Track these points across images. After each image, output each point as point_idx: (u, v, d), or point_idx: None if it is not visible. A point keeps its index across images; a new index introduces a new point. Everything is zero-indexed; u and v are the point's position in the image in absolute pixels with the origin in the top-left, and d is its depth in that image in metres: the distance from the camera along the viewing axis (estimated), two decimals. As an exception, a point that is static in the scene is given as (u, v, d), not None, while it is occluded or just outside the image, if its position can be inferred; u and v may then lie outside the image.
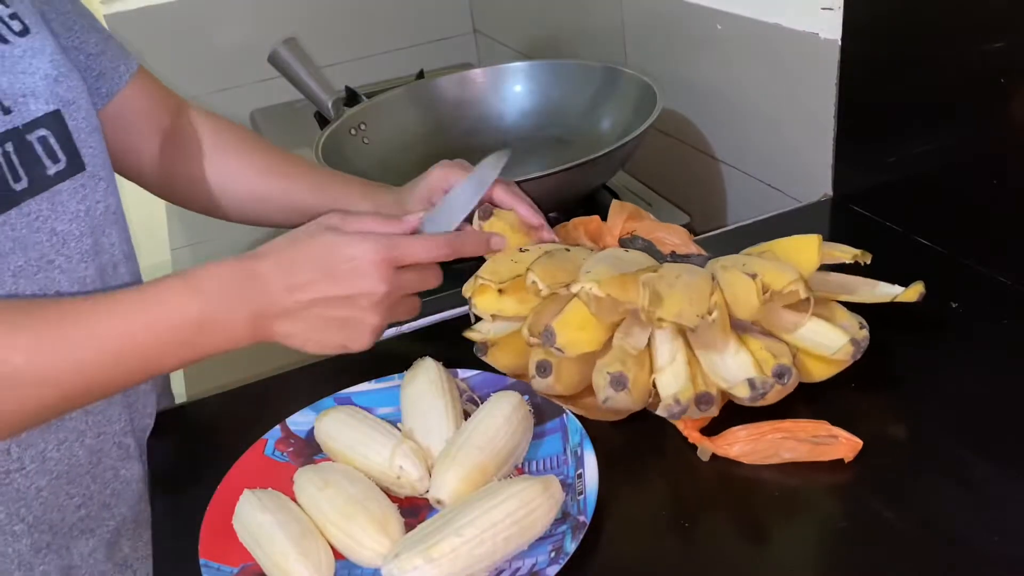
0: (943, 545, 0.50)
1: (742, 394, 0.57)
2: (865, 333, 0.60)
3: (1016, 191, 0.68)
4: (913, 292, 0.63)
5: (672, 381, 0.59)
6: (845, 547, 0.52)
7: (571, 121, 1.12)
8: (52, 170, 0.61)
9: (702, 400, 0.58)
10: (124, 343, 0.55)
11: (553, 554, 0.52)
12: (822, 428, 0.56)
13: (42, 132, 0.60)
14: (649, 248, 0.69)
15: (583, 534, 0.52)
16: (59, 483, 0.64)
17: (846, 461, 0.55)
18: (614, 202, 0.75)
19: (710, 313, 0.57)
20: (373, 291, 0.58)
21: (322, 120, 1.28)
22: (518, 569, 0.52)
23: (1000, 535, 0.50)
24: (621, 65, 1.09)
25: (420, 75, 1.44)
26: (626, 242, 0.71)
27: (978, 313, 0.68)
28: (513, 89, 1.18)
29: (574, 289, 0.60)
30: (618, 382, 0.58)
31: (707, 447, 0.58)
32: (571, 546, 0.52)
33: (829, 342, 0.59)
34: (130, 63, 0.76)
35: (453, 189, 0.70)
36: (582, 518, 0.54)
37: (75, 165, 0.62)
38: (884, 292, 0.64)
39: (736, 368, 0.58)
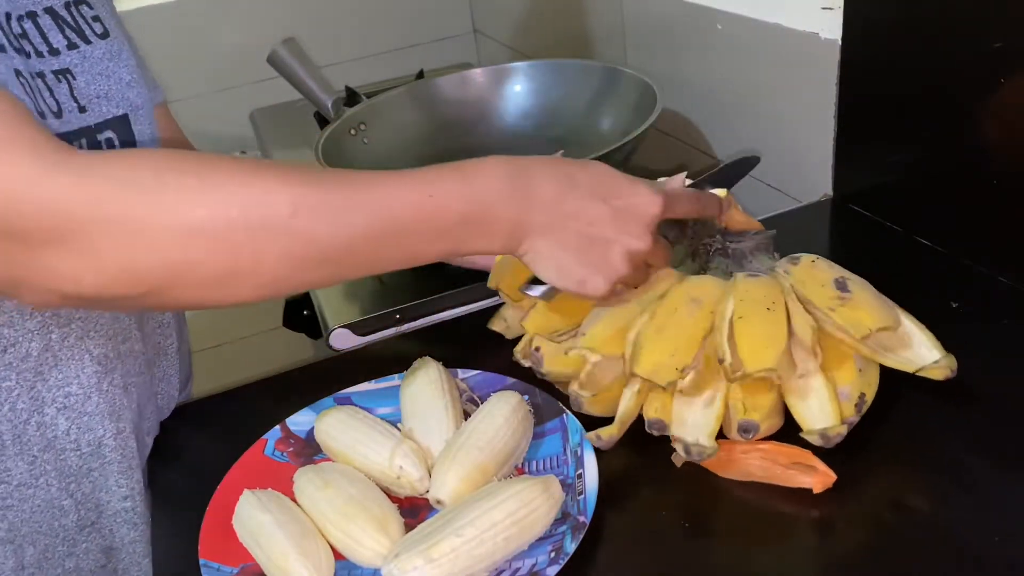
0: (943, 545, 0.50)
1: (708, 444, 0.57)
2: (843, 430, 0.55)
3: (1016, 191, 0.68)
4: (940, 372, 0.58)
5: (621, 411, 0.60)
6: (845, 547, 0.52)
7: (571, 121, 1.12)
8: None
9: (654, 426, 0.59)
10: (391, 215, 0.52)
11: (553, 554, 0.52)
12: (802, 456, 0.55)
13: (109, 134, 0.61)
14: (702, 220, 0.67)
15: (583, 534, 0.52)
16: (110, 469, 0.66)
17: (814, 491, 0.54)
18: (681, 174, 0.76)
19: (690, 367, 0.57)
20: (637, 242, 0.56)
21: (322, 120, 1.28)
22: (518, 569, 0.52)
23: (1000, 535, 0.50)
24: (621, 65, 1.09)
25: (420, 75, 1.44)
26: None
27: (978, 313, 0.68)
28: (513, 89, 1.18)
29: (570, 355, 0.62)
30: (575, 402, 0.62)
31: (681, 456, 0.58)
32: (571, 546, 0.52)
33: (808, 419, 0.57)
34: (156, 94, 0.74)
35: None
36: (582, 518, 0.54)
37: None
38: (914, 358, 0.59)
39: (697, 422, 0.58)
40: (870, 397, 0.58)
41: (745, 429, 0.57)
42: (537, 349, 0.64)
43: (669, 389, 0.57)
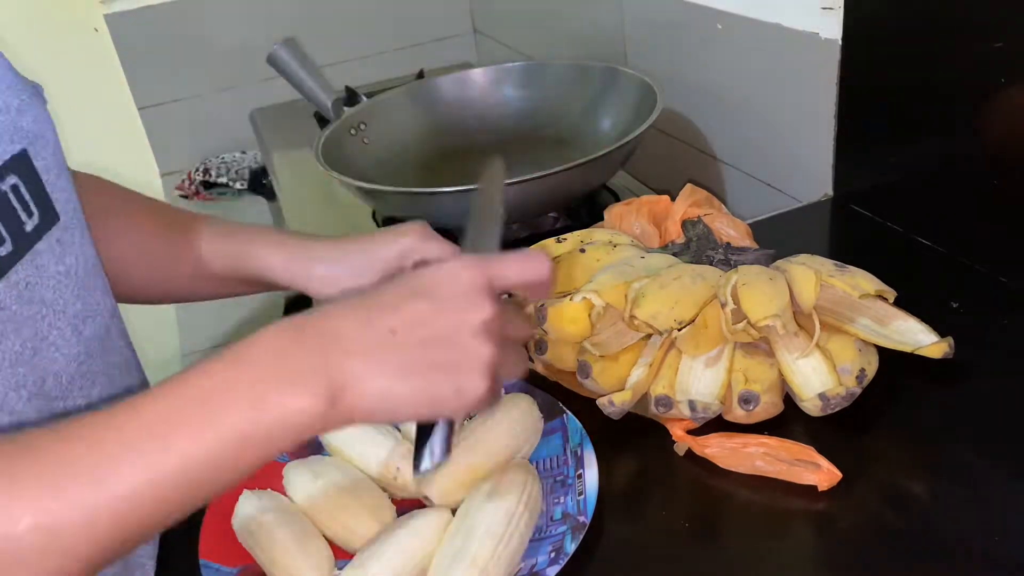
0: (943, 545, 0.50)
1: (704, 413, 0.59)
2: (842, 391, 0.56)
3: (1016, 191, 0.68)
4: (937, 349, 0.59)
5: (633, 380, 0.61)
6: (845, 547, 0.52)
7: (571, 121, 1.12)
8: (29, 226, 0.49)
9: (660, 403, 0.59)
10: (159, 473, 0.39)
11: (553, 554, 0.52)
12: (806, 453, 0.55)
13: (12, 180, 0.48)
14: (706, 235, 0.69)
15: (583, 534, 0.52)
16: None
17: (819, 489, 0.54)
18: (687, 185, 0.77)
19: (687, 323, 0.58)
20: (479, 311, 0.43)
21: (322, 120, 1.28)
22: (519, 569, 0.52)
23: (1000, 535, 0.50)
24: (621, 65, 1.09)
25: (420, 75, 1.44)
26: (687, 226, 0.71)
27: (978, 313, 0.68)
28: (513, 89, 1.18)
29: (576, 300, 0.62)
30: (582, 370, 0.62)
31: (684, 443, 0.59)
32: (571, 546, 0.52)
33: (804, 388, 0.58)
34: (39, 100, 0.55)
35: (473, 217, 0.54)
36: (582, 518, 0.54)
37: (48, 217, 0.51)
38: (910, 339, 0.60)
39: (706, 383, 0.59)
40: (870, 373, 0.59)
41: (746, 400, 0.58)
42: (542, 306, 0.64)
43: (666, 341, 0.59)
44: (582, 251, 0.69)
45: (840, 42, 0.81)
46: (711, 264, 0.67)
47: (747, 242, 0.72)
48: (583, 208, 1.01)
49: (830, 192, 0.89)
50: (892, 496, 0.54)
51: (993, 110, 0.69)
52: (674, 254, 0.68)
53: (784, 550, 0.54)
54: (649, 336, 0.62)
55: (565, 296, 0.64)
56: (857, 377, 0.58)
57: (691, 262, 0.66)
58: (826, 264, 0.62)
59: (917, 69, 0.75)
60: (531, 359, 0.69)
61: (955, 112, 0.73)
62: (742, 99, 1.00)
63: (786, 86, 0.92)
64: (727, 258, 0.67)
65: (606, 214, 0.80)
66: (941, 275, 0.74)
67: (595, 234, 0.72)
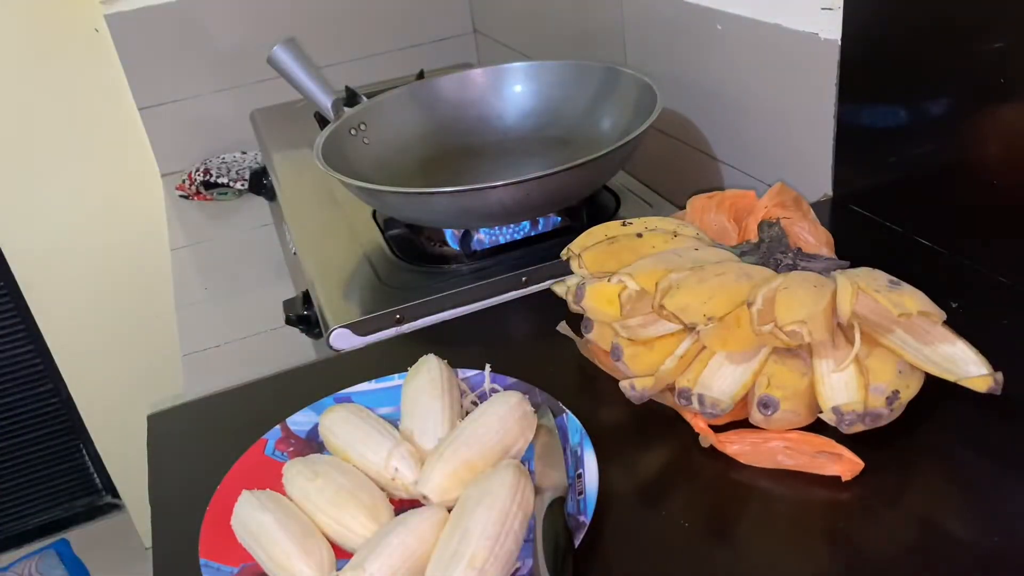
0: (943, 545, 0.50)
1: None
2: (858, 407, 0.54)
3: (1016, 191, 0.68)
4: (983, 382, 0.55)
5: (661, 369, 0.60)
6: (845, 547, 0.52)
7: (571, 121, 1.12)
8: None
9: (681, 395, 0.58)
10: None
11: (553, 554, 0.52)
12: (827, 445, 0.55)
13: None
14: (779, 238, 0.68)
15: (583, 534, 0.52)
16: None
17: (843, 480, 0.54)
18: (778, 183, 0.75)
19: (718, 318, 0.56)
20: None
21: (322, 120, 1.28)
22: (518, 569, 0.52)
23: (1000, 535, 0.50)
24: (621, 65, 1.09)
25: (420, 75, 1.44)
26: (763, 226, 0.70)
27: (978, 313, 0.68)
28: (513, 89, 1.18)
29: (612, 281, 0.61)
30: (615, 352, 0.62)
31: (708, 437, 0.58)
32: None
33: (827, 396, 0.56)
34: None
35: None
36: (582, 518, 0.54)
37: None
38: (954, 367, 0.57)
39: (725, 381, 0.58)
40: (905, 397, 0.57)
41: (764, 404, 0.57)
42: (582, 284, 0.64)
43: (691, 331, 0.58)
44: (639, 236, 0.68)
45: (840, 42, 0.81)
46: (776, 268, 0.64)
47: (824, 250, 0.70)
48: (583, 208, 1.01)
49: (830, 192, 0.89)
50: (892, 496, 0.54)
51: (993, 110, 0.69)
52: (742, 253, 0.66)
53: (784, 549, 0.53)
54: (686, 328, 0.60)
55: (607, 276, 0.63)
56: (888, 398, 0.56)
57: (756, 263, 0.64)
58: (880, 279, 0.59)
59: (917, 69, 0.75)
60: (580, 336, 0.69)
61: (955, 112, 0.73)
62: (742, 99, 1.00)
63: (786, 86, 0.92)
64: (795, 263, 0.65)
65: (688, 205, 0.77)
66: (941, 275, 0.74)
67: (662, 222, 0.71)
